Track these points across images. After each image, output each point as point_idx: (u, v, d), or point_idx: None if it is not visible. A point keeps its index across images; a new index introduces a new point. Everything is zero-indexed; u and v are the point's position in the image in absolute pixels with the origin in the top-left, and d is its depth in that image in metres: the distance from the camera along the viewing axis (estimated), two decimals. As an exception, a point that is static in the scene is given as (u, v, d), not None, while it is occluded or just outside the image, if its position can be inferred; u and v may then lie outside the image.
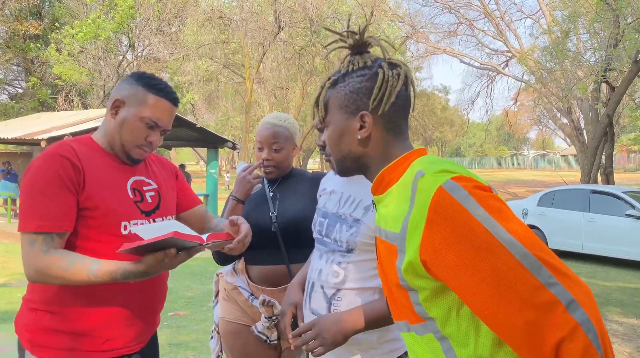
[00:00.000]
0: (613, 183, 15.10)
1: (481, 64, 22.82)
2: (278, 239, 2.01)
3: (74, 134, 10.55)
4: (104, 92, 20.94)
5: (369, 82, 1.11)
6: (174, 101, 1.58)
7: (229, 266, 2.14)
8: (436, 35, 23.01)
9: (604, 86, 14.44)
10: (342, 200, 1.64)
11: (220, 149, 14.79)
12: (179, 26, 23.15)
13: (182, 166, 16.67)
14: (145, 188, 1.62)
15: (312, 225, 1.75)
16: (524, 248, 0.89)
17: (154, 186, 1.66)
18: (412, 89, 1.16)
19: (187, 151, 42.49)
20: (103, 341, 1.48)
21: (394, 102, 1.10)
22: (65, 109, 21.19)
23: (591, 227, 9.30)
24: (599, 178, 14.67)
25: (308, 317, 1.61)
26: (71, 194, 1.41)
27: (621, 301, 6.35)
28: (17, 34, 24.53)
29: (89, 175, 1.46)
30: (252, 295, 2.04)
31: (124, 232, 1.49)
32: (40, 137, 10.33)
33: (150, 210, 1.60)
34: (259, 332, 2.00)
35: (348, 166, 1.18)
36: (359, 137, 1.12)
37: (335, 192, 1.69)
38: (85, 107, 23.20)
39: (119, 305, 1.50)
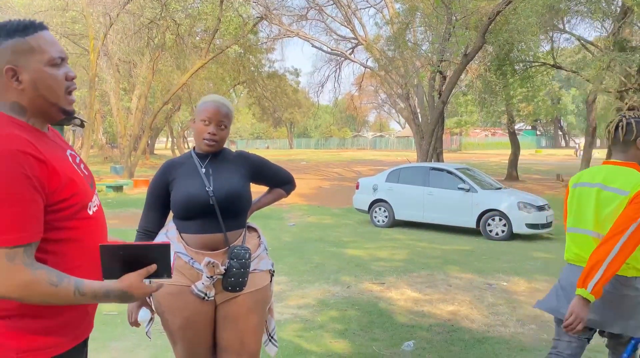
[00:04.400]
0: (442, 161, 17.20)
1: (331, 49, 23.95)
2: (215, 211, 2.21)
3: None
4: None
5: None
6: (46, 27, 1.40)
7: (161, 237, 2.29)
8: (288, 18, 23.55)
9: (437, 75, 16.28)
10: None
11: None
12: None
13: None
14: (77, 160, 1.50)
15: None
16: None
17: (76, 154, 1.53)
18: None
19: (12, 128, 37.76)
20: (82, 317, 1.44)
21: None
22: None
23: (430, 199, 10.63)
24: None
25: None
26: (39, 196, 1.27)
27: (458, 261, 7.50)
28: None
29: (53, 165, 1.31)
30: (191, 258, 2.22)
31: (90, 213, 1.43)
32: None
33: (91, 183, 1.51)
34: (198, 291, 2.19)
35: None
36: None
37: None
38: None
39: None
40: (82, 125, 13.14)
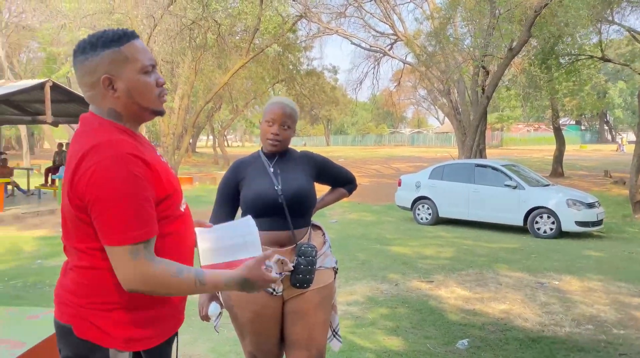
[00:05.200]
0: (485, 158, 16.90)
1: (370, 46, 23.85)
2: (284, 209, 2.28)
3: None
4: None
5: None
6: (137, 35, 1.46)
7: None
8: (327, 15, 23.55)
9: (480, 70, 15.98)
10: None
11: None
12: (53, -8, 21.22)
13: (68, 145, 15.54)
14: (164, 159, 1.56)
15: None
16: None
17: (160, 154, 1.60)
18: None
19: (60, 127, 39.21)
20: (176, 311, 1.52)
21: None
22: None
23: (476, 197, 10.49)
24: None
25: None
26: (150, 195, 1.35)
27: (506, 259, 7.39)
28: None
29: (155, 166, 1.39)
30: None
31: (182, 210, 1.51)
32: None
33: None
34: None
35: None
36: None
37: None
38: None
39: None
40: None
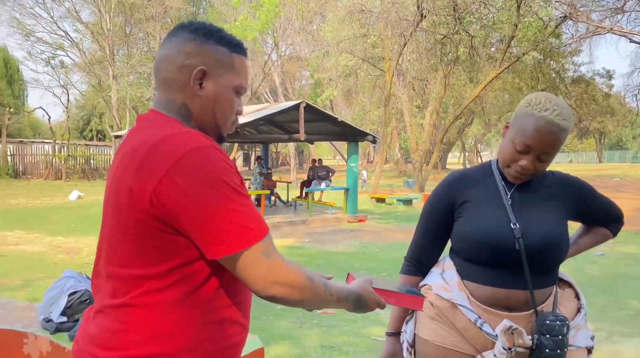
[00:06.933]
0: None
1: (658, 42, 19.85)
2: (521, 259, 1.56)
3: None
4: (252, 91, 21.99)
5: None
6: (247, 55, 1.32)
7: (436, 278, 1.71)
8: (598, 13, 20.48)
9: None
10: None
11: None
12: (319, 24, 23.54)
13: (320, 161, 16.73)
14: None
15: None
16: None
17: None
18: None
19: (324, 145, 43.40)
20: None
21: None
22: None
23: None
24: None
25: None
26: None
27: None
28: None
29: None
30: (479, 317, 1.60)
31: None
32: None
33: None
34: None
35: None
36: None
37: None
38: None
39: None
40: (374, 141, 13.86)
